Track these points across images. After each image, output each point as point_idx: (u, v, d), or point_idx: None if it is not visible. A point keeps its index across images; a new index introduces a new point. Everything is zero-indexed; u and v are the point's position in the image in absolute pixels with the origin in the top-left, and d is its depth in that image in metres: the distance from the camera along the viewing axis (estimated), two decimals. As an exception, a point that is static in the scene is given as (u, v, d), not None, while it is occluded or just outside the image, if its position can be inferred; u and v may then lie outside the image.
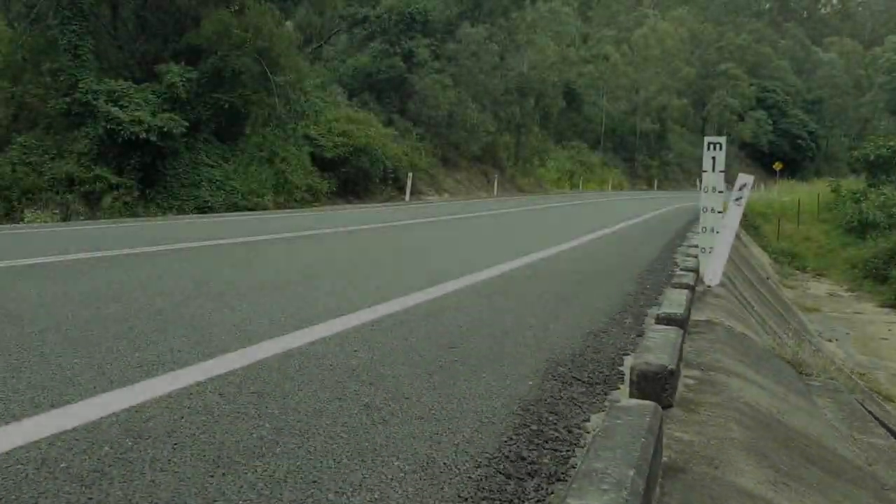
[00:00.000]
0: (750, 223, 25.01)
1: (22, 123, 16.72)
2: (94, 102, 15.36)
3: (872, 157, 30.80)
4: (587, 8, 51.58)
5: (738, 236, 12.48)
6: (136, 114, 15.23)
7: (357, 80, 29.67)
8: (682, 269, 5.96)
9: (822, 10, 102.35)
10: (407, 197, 24.62)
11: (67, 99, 15.69)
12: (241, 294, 4.65)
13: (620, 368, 3.23)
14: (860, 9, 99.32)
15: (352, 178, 22.88)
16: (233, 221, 12.33)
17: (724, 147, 7.55)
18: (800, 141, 66.11)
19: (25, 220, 14.26)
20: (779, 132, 64.64)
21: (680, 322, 3.87)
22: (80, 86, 15.58)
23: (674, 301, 4.18)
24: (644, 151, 56.42)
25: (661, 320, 3.89)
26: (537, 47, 36.47)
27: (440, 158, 30.83)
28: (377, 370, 2.91)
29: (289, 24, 21.56)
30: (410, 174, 25.17)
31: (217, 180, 16.97)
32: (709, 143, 7.66)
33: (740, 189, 5.83)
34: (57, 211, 14.85)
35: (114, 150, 15.41)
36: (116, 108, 15.24)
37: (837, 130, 74.00)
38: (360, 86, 29.65)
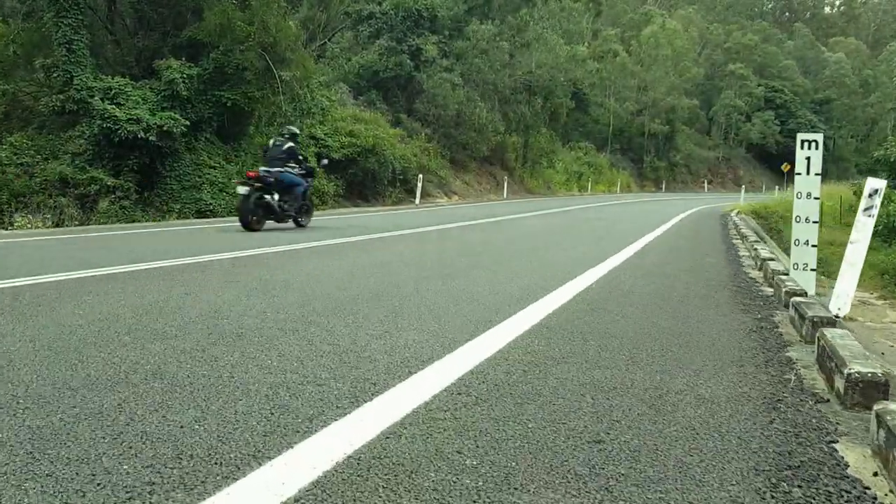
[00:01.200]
0: (773, 227, 23.95)
1: (13, 122, 15.93)
2: (90, 100, 14.54)
3: (894, 159, 29.85)
4: (598, 3, 50.46)
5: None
6: (134, 112, 14.41)
7: (363, 79, 28.59)
8: (795, 295, 4.87)
9: (827, 10, 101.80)
10: (417, 199, 23.56)
11: (61, 96, 14.96)
12: (265, 336, 3.58)
13: (848, 472, 2.16)
14: (863, 10, 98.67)
15: (359, 180, 21.83)
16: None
17: (820, 146, 6.49)
18: (808, 142, 64.98)
19: (15, 224, 13.33)
20: (787, 133, 63.47)
21: (884, 388, 2.81)
22: (75, 82, 14.85)
23: (852, 351, 3.10)
24: (652, 153, 55.37)
25: (856, 384, 2.82)
26: (548, 45, 35.38)
27: (448, 160, 29.75)
28: (511, 499, 1.82)
29: (291, 23, 20.50)
30: (421, 176, 24.13)
31: (219, 182, 16.02)
32: (802, 141, 6.60)
33: (870, 196, 4.74)
34: (49, 215, 13.89)
35: (110, 151, 14.57)
36: (113, 106, 14.45)
37: (845, 131, 72.99)
38: (367, 84, 28.57)
